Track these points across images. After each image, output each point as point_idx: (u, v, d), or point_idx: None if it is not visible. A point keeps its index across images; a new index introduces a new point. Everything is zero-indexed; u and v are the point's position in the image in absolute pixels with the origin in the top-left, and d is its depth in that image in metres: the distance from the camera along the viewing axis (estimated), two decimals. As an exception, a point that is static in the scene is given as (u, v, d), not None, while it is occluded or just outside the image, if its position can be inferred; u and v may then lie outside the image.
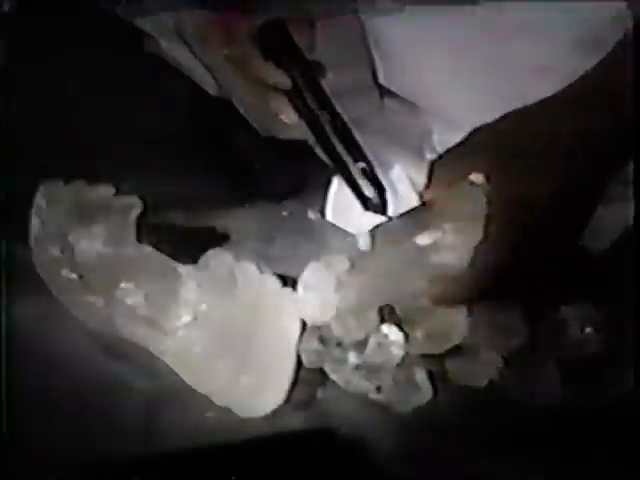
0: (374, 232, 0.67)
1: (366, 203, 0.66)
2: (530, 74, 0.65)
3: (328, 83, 0.68)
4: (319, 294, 0.68)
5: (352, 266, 0.67)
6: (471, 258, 0.64)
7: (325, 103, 0.67)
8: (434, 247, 0.65)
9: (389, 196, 0.67)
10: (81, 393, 0.67)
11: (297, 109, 0.67)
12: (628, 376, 0.66)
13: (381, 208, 0.66)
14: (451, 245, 0.65)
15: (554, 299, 0.68)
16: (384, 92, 0.73)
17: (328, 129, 0.66)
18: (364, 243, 0.67)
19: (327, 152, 0.67)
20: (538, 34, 0.64)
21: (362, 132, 0.70)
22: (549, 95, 0.64)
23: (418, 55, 0.67)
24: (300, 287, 0.68)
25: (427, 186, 0.68)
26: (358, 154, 0.66)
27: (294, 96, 0.67)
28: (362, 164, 0.66)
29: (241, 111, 0.75)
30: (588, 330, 0.68)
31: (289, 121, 0.68)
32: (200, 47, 0.74)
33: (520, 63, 0.65)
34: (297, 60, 0.67)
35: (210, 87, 0.78)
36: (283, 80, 0.67)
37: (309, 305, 0.68)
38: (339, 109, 0.67)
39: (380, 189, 0.66)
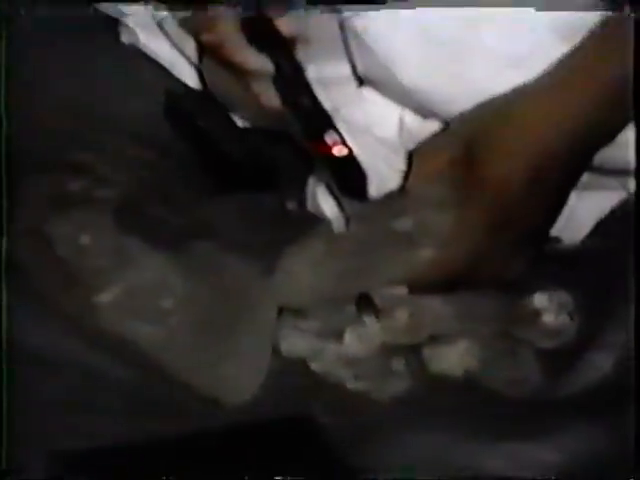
0: (349, 215, 0.68)
1: (345, 188, 0.66)
2: (505, 62, 0.66)
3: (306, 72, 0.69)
4: (296, 279, 0.68)
5: (327, 249, 0.68)
6: (447, 244, 0.65)
7: (306, 88, 0.67)
8: (410, 232, 0.66)
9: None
10: (65, 386, 0.68)
11: (279, 92, 0.68)
12: (605, 362, 0.67)
13: (361, 193, 0.67)
14: (427, 231, 0.66)
15: (528, 287, 0.69)
16: (362, 82, 0.73)
17: (309, 114, 0.67)
18: (338, 225, 0.68)
19: (307, 137, 0.68)
20: (513, 21, 0.65)
21: (340, 121, 0.71)
22: (524, 82, 0.65)
23: (394, 45, 0.68)
24: (277, 273, 0.69)
25: (406, 175, 0.69)
26: (339, 139, 0.67)
27: (276, 80, 0.68)
28: (343, 149, 0.67)
29: (222, 101, 0.76)
30: (563, 317, 0.69)
31: (271, 105, 0.69)
32: (180, 36, 0.75)
33: (495, 51, 0.66)
34: (279, 44, 0.68)
35: (190, 79, 0.79)
36: (265, 64, 0.68)
37: (286, 291, 0.69)
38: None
39: (361, 175, 0.67)
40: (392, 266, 0.67)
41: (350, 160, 0.68)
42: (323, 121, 0.68)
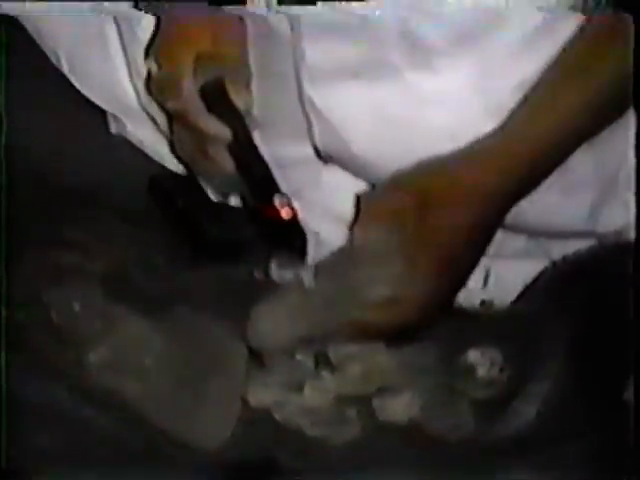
0: (316, 269, 0.75)
1: (287, 248, 0.75)
2: (442, 137, 0.73)
3: (268, 154, 0.77)
4: (264, 336, 0.75)
5: (295, 304, 0.74)
6: (397, 290, 0.72)
7: (257, 154, 0.75)
8: (364, 282, 0.72)
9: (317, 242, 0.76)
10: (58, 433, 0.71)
11: (233, 157, 0.75)
12: (529, 410, 0.74)
13: (301, 253, 0.75)
14: (378, 278, 0.72)
15: (464, 344, 0.76)
16: (325, 161, 0.79)
17: (259, 177, 0.75)
18: (308, 280, 0.74)
19: (258, 199, 0.76)
20: (451, 101, 0.72)
21: (302, 201, 0.79)
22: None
23: (348, 119, 0.74)
24: (248, 332, 0.75)
25: (355, 220, 0.75)
26: (286, 202, 0.75)
27: (230, 146, 0.75)
28: (290, 212, 0.74)
29: (199, 177, 0.83)
30: (494, 371, 0.75)
31: (226, 167, 0.76)
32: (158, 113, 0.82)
33: (435, 127, 0.73)
34: (234, 116, 0.75)
35: (171, 163, 0.87)
36: (223, 131, 0.76)
37: (257, 336, 0.75)
38: (278, 179, 0.77)
39: (302, 236, 0.74)
40: (349, 312, 0.74)
41: (294, 222, 0.75)
42: (272, 184, 0.76)
